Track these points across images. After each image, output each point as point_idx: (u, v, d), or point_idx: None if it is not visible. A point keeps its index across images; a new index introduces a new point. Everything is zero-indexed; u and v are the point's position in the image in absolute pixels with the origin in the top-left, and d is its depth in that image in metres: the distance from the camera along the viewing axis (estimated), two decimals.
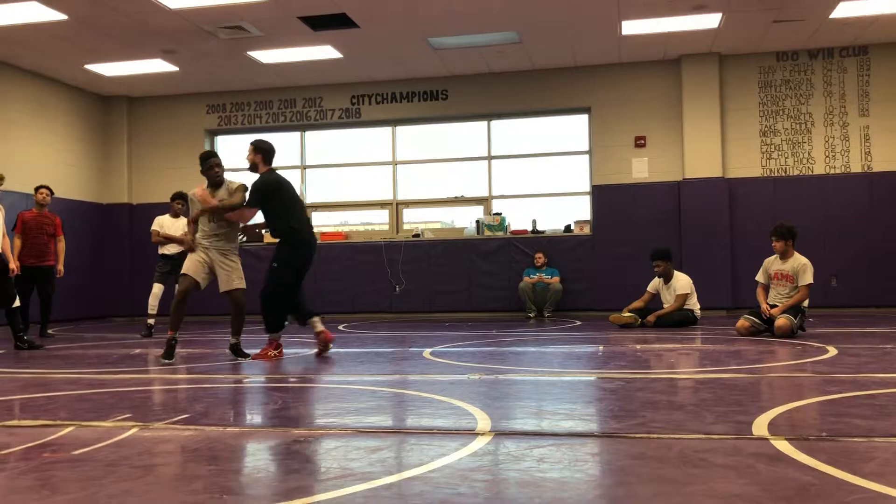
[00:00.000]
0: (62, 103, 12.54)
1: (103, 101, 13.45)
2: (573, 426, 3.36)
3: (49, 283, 9.29)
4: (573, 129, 12.54)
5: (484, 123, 12.71)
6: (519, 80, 12.36)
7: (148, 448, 3.06)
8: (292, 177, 13.30)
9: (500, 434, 3.18)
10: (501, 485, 2.47)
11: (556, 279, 11.44)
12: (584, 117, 12.40)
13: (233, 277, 6.30)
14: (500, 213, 12.39)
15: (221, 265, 6.28)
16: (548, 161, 12.59)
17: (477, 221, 12.42)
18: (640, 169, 11.96)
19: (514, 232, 12.25)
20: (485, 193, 12.73)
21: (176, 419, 3.62)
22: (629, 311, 9.13)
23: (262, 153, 6.46)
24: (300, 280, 6.47)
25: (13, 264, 7.62)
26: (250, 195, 6.32)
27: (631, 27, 10.32)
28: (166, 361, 6.08)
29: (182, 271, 6.31)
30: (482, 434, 3.17)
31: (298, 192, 6.40)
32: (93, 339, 9.06)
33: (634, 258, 11.29)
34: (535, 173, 12.60)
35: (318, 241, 12.49)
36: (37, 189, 9.38)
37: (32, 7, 9.07)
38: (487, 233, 12.25)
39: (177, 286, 6.62)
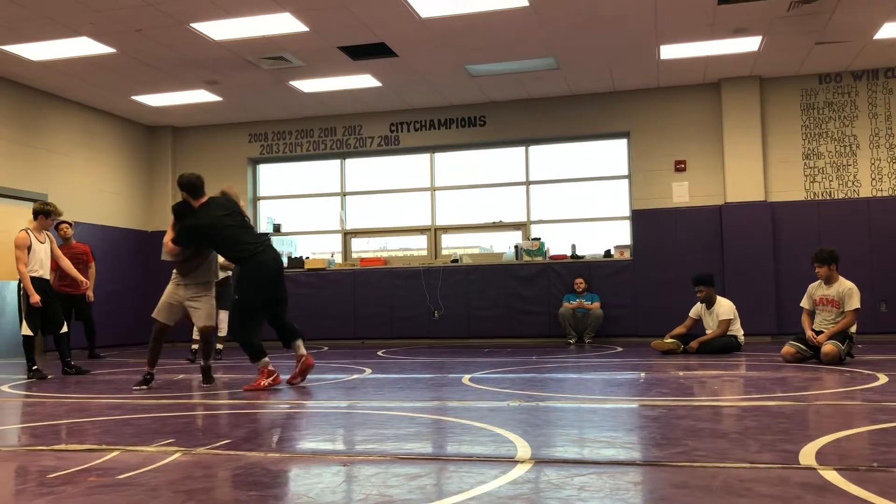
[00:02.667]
0: (109, 133, 12.89)
1: (149, 131, 13.79)
2: (615, 454, 3.32)
3: (87, 307, 9.87)
4: (612, 154, 12.50)
5: (522, 149, 12.74)
6: (557, 106, 12.38)
7: (190, 473, 3.10)
8: (333, 204, 13.49)
9: (540, 462, 3.15)
10: None
11: (597, 304, 11.35)
12: (624, 142, 12.35)
13: (199, 317, 6.37)
14: (539, 238, 12.36)
15: (191, 305, 6.36)
16: (587, 186, 12.55)
17: (516, 246, 12.40)
18: (681, 193, 11.85)
19: (553, 257, 12.20)
20: (523, 218, 12.72)
21: (218, 444, 3.66)
22: (671, 338, 9.01)
23: (185, 189, 6.19)
24: (271, 303, 6.19)
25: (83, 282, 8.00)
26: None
27: (670, 51, 10.30)
28: (141, 388, 6.24)
29: (154, 315, 6.39)
30: (522, 462, 3.14)
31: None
32: (137, 364, 9.20)
33: (676, 283, 11.17)
34: (574, 198, 12.56)
35: (357, 267, 12.76)
36: (58, 225, 9.65)
37: (82, 42, 9.37)
38: (526, 258, 12.21)
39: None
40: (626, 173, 12.30)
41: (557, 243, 12.44)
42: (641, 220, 11.89)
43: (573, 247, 12.23)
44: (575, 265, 11.96)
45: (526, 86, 11.77)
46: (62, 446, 3.71)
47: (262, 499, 2.75)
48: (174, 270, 6.43)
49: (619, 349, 10.01)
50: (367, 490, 2.78)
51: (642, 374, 6.82)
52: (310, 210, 13.83)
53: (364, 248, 13.72)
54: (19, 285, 7.56)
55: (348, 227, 13.48)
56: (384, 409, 4.86)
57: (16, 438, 4.24)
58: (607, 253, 12.09)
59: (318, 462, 3.29)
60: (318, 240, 14.09)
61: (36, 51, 9.67)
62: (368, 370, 7.56)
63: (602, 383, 6.24)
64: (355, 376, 7.01)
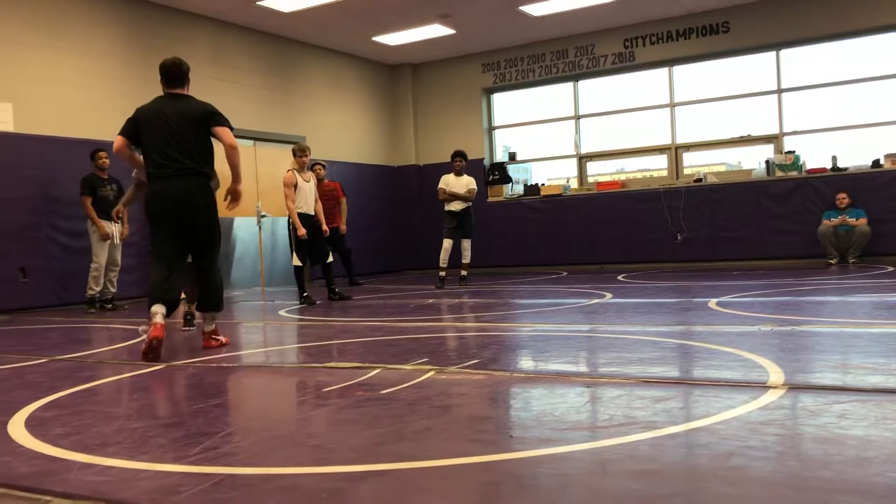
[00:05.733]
0: (355, 75, 13.71)
1: (390, 70, 14.46)
2: (881, 381, 3.06)
3: (341, 239, 10.43)
4: (881, 51, 11.06)
5: (772, 54, 11.68)
6: (811, 1, 11.14)
7: (444, 390, 3.33)
8: (567, 128, 13.35)
9: (794, 388, 2.99)
10: (796, 440, 2.34)
11: (863, 221, 10.31)
12: (894, 35, 10.86)
13: None
14: (794, 151, 11.38)
15: None
16: (849, 89, 11.26)
17: (767, 162, 11.54)
18: None
19: (810, 171, 11.20)
20: (775, 131, 11.75)
21: (468, 364, 3.88)
22: None
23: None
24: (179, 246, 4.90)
25: (324, 227, 8.56)
26: None
27: None
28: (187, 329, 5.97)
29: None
30: (774, 387, 3.00)
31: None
32: (391, 290, 9.93)
33: None
34: (834, 104, 11.35)
35: (594, 191, 12.61)
36: (312, 167, 10.05)
37: None
38: (779, 173, 11.33)
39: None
40: None
41: (815, 156, 11.38)
42: None
43: (834, 158, 11.12)
44: (836, 179, 10.89)
45: None
46: (333, 364, 4.14)
47: (510, 415, 2.90)
48: None
49: (890, 269, 9.05)
50: (611, 411, 2.81)
51: None
52: (544, 136, 13.84)
53: (601, 172, 13.50)
54: (289, 221, 8.41)
55: (583, 150, 13.31)
56: (626, 333, 4.85)
57: (295, 357, 4.80)
58: (875, 163, 10.86)
59: (561, 382, 3.38)
60: (553, 166, 14.09)
61: (287, 2, 10.46)
62: (609, 295, 7.54)
63: (869, 306, 5.71)
64: (595, 301, 7.03)
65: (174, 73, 4.88)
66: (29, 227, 8.71)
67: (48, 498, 2.09)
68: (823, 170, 11.12)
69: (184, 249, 4.92)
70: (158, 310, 4.62)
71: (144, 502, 2.00)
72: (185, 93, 4.94)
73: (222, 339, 5.03)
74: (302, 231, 8.02)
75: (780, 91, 11.65)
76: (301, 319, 6.82)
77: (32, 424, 2.99)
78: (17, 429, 2.93)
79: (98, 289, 8.59)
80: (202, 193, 4.82)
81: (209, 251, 4.93)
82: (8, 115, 8.69)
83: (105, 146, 8.90)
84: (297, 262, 8.28)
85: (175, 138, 4.73)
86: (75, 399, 3.54)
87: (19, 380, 4.13)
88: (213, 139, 4.85)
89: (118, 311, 8.53)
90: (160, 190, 4.76)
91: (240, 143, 5.05)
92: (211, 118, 4.79)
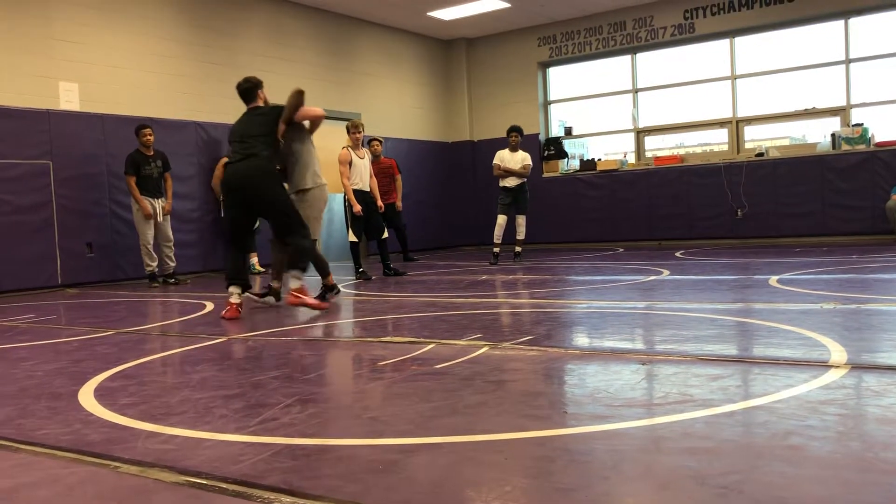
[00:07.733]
0: (410, 51, 13.69)
1: (444, 45, 14.40)
2: None
3: (397, 215, 10.26)
4: None
5: (839, 22, 11.25)
6: None
7: (498, 365, 3.34)
8: (624, 102, 13.14)
9: (857, 367, 2.91)
10: (857, 420, 2.29)
11: None
12: None
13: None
14: (862, 124, 10.99)
15: None
16: None
17: (832, 135, 11.17)
18: None
19: (878, 144, 10.80)
20: (842, 103, 11.35)
21: (521, 340, 3.89)
22: None
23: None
24: (240, 220, 5.71)
25: (379, 202, 8.61)
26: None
27: None
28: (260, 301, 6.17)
29: None
30: (836, 367, 2.93)
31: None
32: (445, 266, 9.96)
33: None
34: None
35: (652, 166, 12.38)
36: (369, 142, 10.08)
37: None
38: (845, 147, 10.96)
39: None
40: None
41: (885, 128, 10.96)
42: None
43: None
44: None
45: None
46: (388, 338, 4.19)
47: (564, 391, 2.90)
48: None
49: None
50: (666, 388, 2.79)
51: None
52: (601, 110, 13.63)
53: (659, 146, 13.26)
54: (344, 197, 8.49)
55: (641, 125, 13.09)
56: (684, 310, 4.78)
57: (351, 331, 4.87)
58: None
59: (616, 360, 3.37)
60: (610, 140, 13.88)
61: None
62: (666, 272, 7.43)
63: None
64: (652, 277, 6.94)
65: (241, 91, 5.84)
66: (94, 203, 8.99)
67: (117, 464, 2.18)
68: (893, 143, 10.72)
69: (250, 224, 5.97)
70: (233, 290, 5.53)
71: (207, 470, 2.07)
72: (259, 104, 5.83)
73: (308, 300, 5.51)
74: (357, 207, 8.09)
75: (847, 61, 11.24)
76: (357, 294, 6.90)
77: (101, 394, 3.12)
78: (87, 398, 3.05)
79: (154, 264, 8.79)
80: (257, 173, 5.50)
81: (277, 224, 5.70)
82: (74, 94, 8.95)
83: (157, 122, 9.13)
84: (352, 237, 8.37)
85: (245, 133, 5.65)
86: (141, 370, 3.66)
87: (89, 351, 4.30)
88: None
89: (181, 285, 8.75)
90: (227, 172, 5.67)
91: None
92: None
